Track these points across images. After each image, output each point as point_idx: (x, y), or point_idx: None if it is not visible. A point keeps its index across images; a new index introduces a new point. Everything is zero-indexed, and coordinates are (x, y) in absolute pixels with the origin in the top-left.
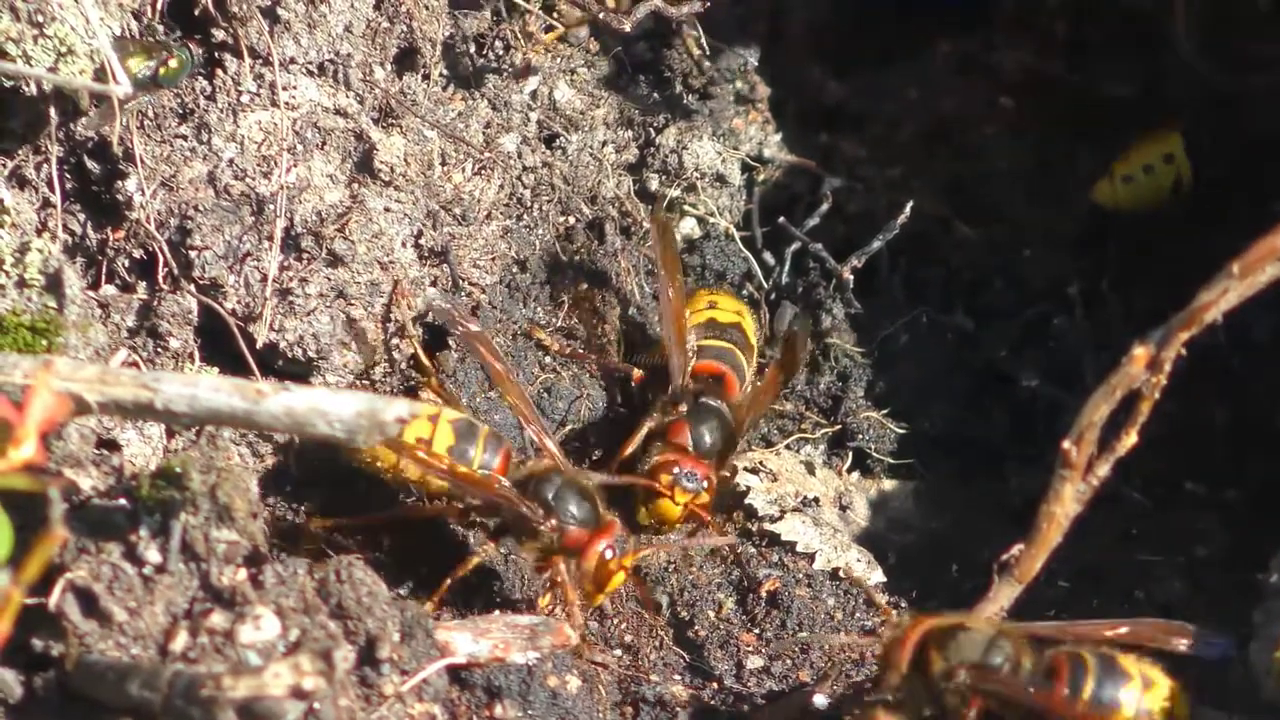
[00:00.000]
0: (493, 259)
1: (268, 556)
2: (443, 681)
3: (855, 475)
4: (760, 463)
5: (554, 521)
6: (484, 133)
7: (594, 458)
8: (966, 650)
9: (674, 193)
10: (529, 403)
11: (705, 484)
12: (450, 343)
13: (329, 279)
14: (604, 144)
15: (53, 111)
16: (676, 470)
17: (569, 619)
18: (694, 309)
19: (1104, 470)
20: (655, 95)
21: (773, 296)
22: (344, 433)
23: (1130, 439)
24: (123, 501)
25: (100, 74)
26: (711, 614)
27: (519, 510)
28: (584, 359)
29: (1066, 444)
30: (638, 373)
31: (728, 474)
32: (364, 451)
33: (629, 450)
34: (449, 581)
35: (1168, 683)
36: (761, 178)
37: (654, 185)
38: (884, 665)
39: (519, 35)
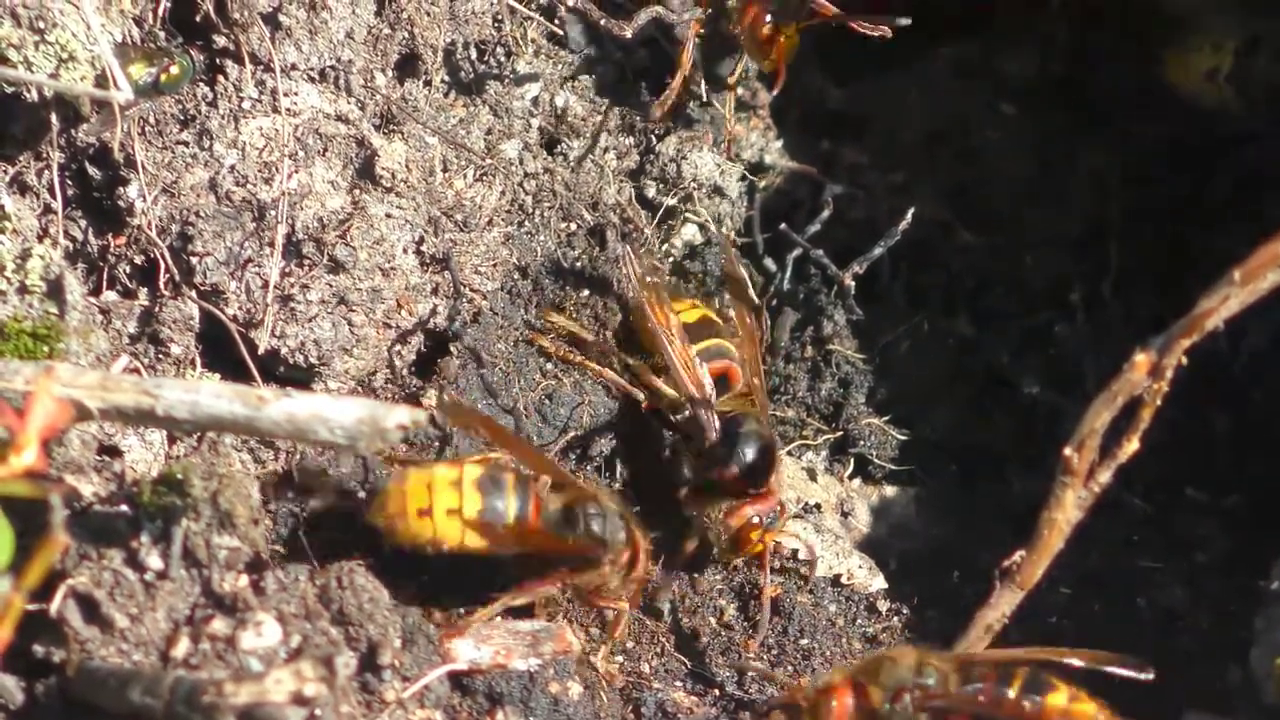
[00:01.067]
0: (494, 265)
1: (269, 563)
2: (444, 688)
3: (857, 482)
4: None
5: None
6: (485, 139)
7: (598, 465)
8: (901, 675)
9: (670, 201)
10: (538, 455)
11: (779, 508)
12: (451, 349)
13: (330, 285)
14: (605, 150)
15: (54, 118)
16: (757, 521)
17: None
18: (668, 323)
19: (1105, 477)
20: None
21: (774, 303)
22: (345, 439)
23: (1132, 445)
24: (124, 508)
25: (101, 80)
26: (713, 620)
27: (584, 554)
28: (587, 366)
29: (1068, 450)
30: (645, 401)
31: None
32: (402, 532)
33: (691, 547)
34: (489, 610)
35: (1093, 704)
36: (763, 184)
37: (651, 193)
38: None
39: (520, 41)
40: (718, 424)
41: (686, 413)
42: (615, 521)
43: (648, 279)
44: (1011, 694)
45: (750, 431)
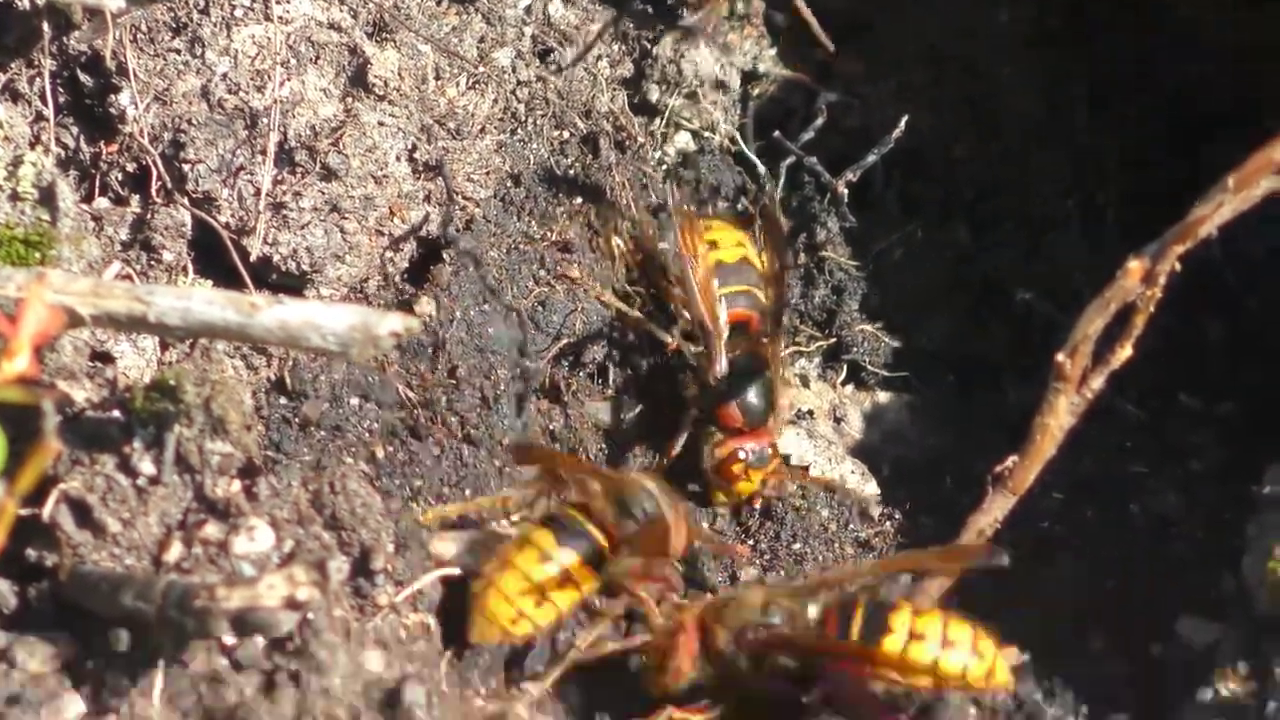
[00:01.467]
0: (487, 173)
1: (261, 468)
2: (437, 592)
3: (850, 388)
4: None
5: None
6: (478, 47)
7: (590, 373)
8: (746, 616)
9: (674, 101)
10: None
11: (771, 450)
12: (443, 256)
13: (323, 193)
14: (598, 58)
15: (46, 25)
16: (743, 455)
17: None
18: (698, 254)
19: (1098, 383)
20: (649, 10)
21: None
22: (337, 346)
23: (1125, 352)
24: (116, 413)
25: None
26: (705, 526)
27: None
28: (605, 299)
29: (1061, 356)
30: (672, 343)
31: (785, 414)
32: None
33: (676, 449)
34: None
35: (937, 618)
36: (756, 92)
37: (654, 96)
38: (668, 662)
39: None
40: (725, 360)
41: (698, 348)
42: (663, 499)
43: (685, 206)
44: (854, 632)
45: (755, 372)
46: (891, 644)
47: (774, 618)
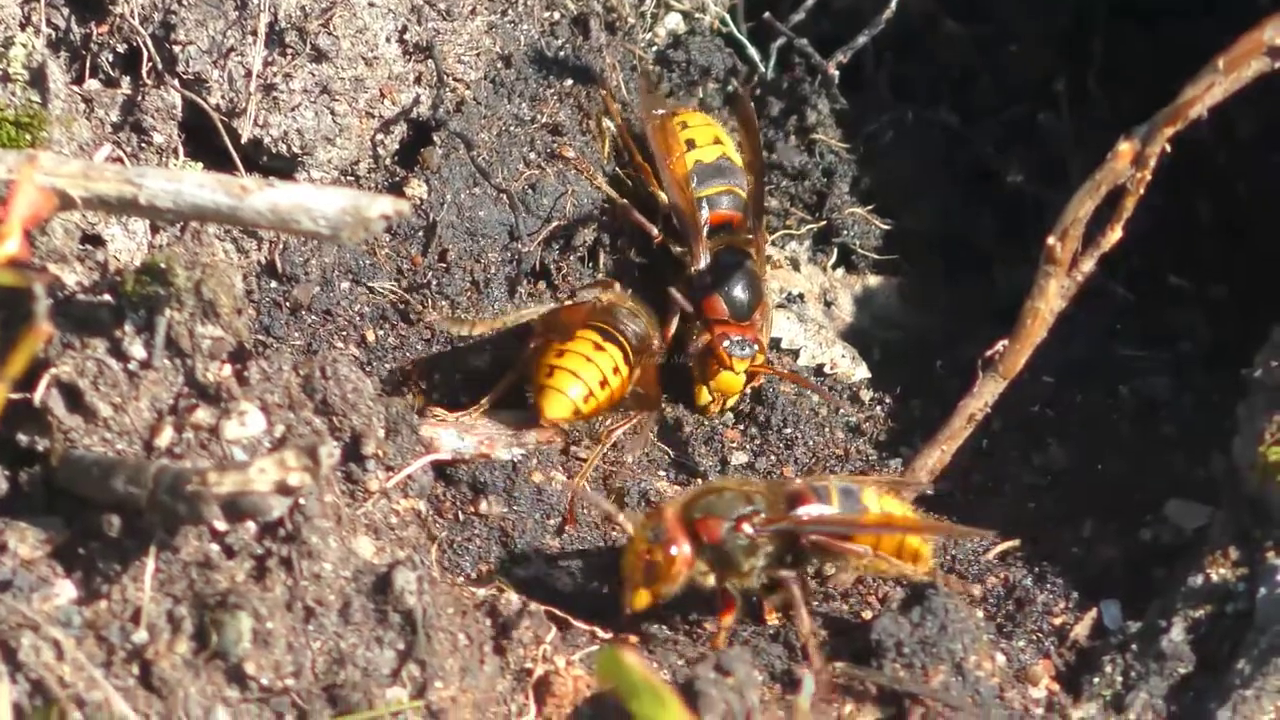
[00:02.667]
0: (477, 55)
1: (252, 353)
2: (428, 478)
3: (840, 271)
4: None
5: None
6: None
7: (581, 255)
8: (735, 505)
9: None
10: None
11: (756, 345)
12: (434, 138)
13: (313, 74)
14: None
15: None
16: (726, 343)
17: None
18: (675, 156)
19: (1088, 266)
20: None
21: (757, 92)
22: (328, 229)
23: (1115, 234)
24: (107, 297)
25: None
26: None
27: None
28: (597, 183)
29: (1051, 239)
30: (657, 235)
31: (768, 313)
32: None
33: (669, 334)
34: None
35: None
36: None
37: None
38: (664, 569)
39: None
40: (707, 254)
41: (681, 248)
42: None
43: (657, 111)
44: (834, 508)
45: (737, 264)
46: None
47: (759, 505)
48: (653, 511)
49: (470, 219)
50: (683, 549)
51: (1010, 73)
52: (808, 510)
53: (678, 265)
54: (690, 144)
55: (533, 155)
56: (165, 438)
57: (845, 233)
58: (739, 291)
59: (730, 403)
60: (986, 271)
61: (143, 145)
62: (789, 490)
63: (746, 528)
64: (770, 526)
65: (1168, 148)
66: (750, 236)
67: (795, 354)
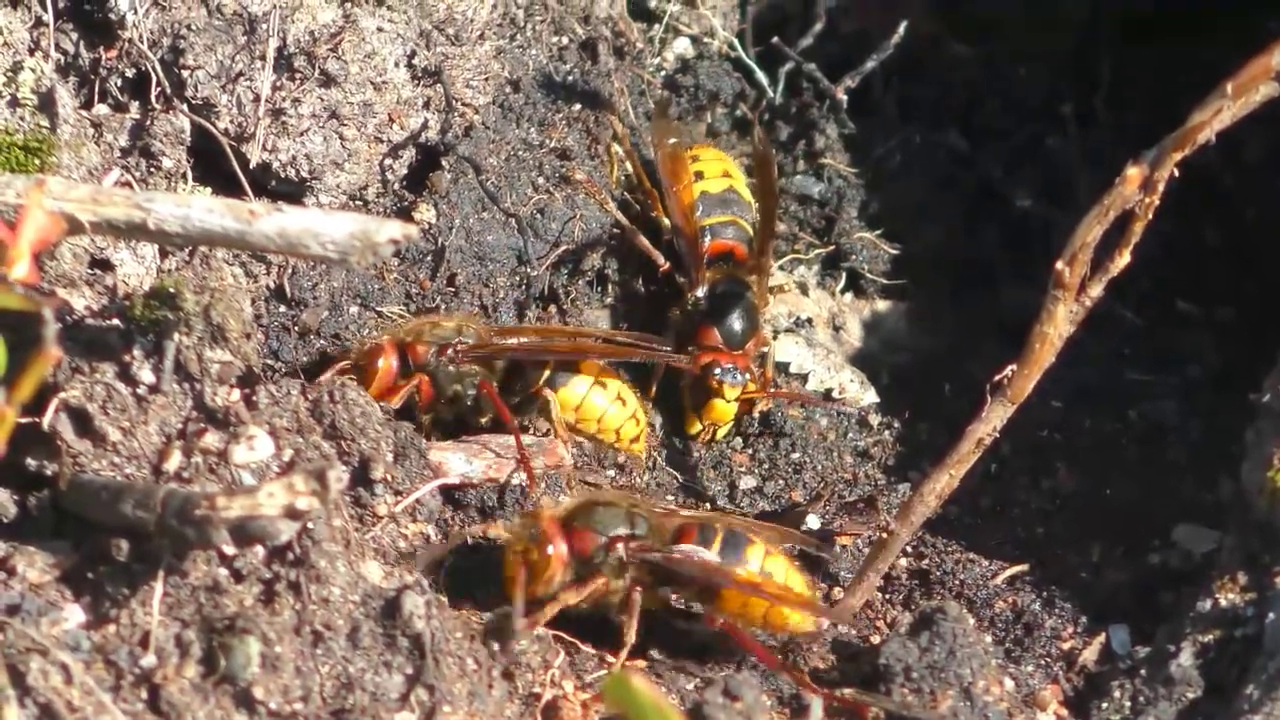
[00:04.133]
0: (486, 79)
1: (261, 377)
2: (436, 502)
3: (849, 296)
4: None
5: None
6: None
7: (590, 280)
8: (614, 523)
9: (672, 6)
10: None
11: (747, 375)
12: (442, 163)
13: (322, 99)
14: None
15: None
16: (717, 371)
17: None
18: (682, 184)
19: (1097, 290)
20: None
21: (766, 117)
22: (337, 254)
23: (1123, 259)
24: (116, 321)
25: None
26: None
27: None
28: (607, 206)
29: (1059, 264)
30: (664, 265)
31: (763, 346)
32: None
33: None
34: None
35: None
36: None
37: (653, 1)
38: (540, 569)
39: None
40: (706, 282)
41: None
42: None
43: (670, 141)
44: (714, 554)
45: (735, 295)
46: (747, 573)
47: (640, 529)
48: (534, 512)
49: (479, 243)
50: (559, 548)
51: (1017, 95)
52: (684, 549)
53: (678, 293)
54: (699, 175)
55: (541, 180)
56: (174, 462)
57: (854, 257)
58: (734, 321)
59: (721, 433)
60: (994, 294)
61: (151, 170)
62: (678, 522)
63: (620, 549)
64: (641, 554)
65: (1176, 172)
66: (752, 268)
67: (804, 378)
